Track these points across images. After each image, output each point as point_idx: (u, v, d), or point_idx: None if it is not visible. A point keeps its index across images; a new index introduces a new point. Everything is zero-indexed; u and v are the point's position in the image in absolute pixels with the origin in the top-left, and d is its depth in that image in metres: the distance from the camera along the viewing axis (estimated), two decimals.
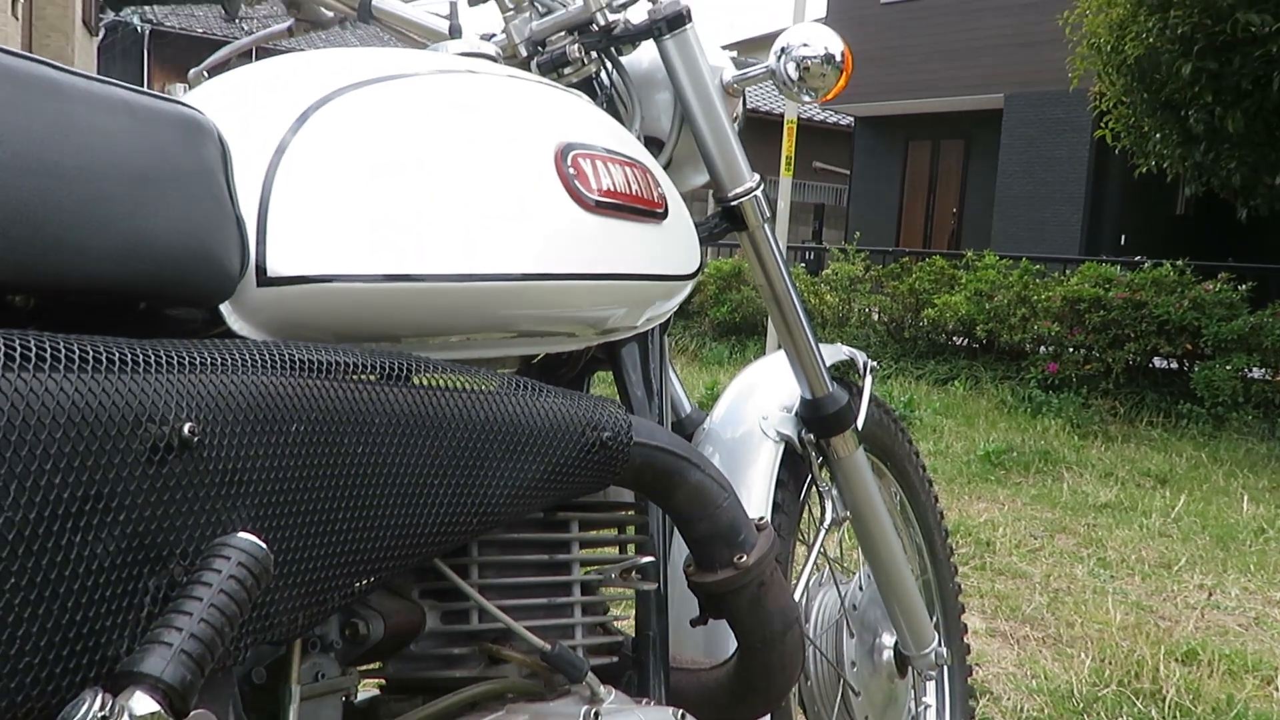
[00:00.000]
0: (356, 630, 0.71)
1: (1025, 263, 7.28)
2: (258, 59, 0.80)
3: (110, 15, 16.51)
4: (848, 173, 16.76)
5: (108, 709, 0.41)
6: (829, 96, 1.15)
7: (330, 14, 1.20)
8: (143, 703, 0.42)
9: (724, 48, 1.21)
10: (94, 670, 0.44)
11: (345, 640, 0.71)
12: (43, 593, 0.42)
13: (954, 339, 7.82)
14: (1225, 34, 6.01)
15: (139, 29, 16.29)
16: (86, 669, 0.44)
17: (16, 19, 11.55)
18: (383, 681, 0.80)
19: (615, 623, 0.91)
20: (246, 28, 1.26)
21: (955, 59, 13.51)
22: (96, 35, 16.71)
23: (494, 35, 1.13)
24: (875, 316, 8.33)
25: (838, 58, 1.13)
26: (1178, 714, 2.17)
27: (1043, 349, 6.85)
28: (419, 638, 0.75)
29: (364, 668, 0.76)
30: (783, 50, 1.14)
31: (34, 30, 12.92)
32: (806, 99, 1.16)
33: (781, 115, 7.07)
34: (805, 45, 1.13)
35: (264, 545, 0.49)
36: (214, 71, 1.11)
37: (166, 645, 0.44)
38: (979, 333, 7.26)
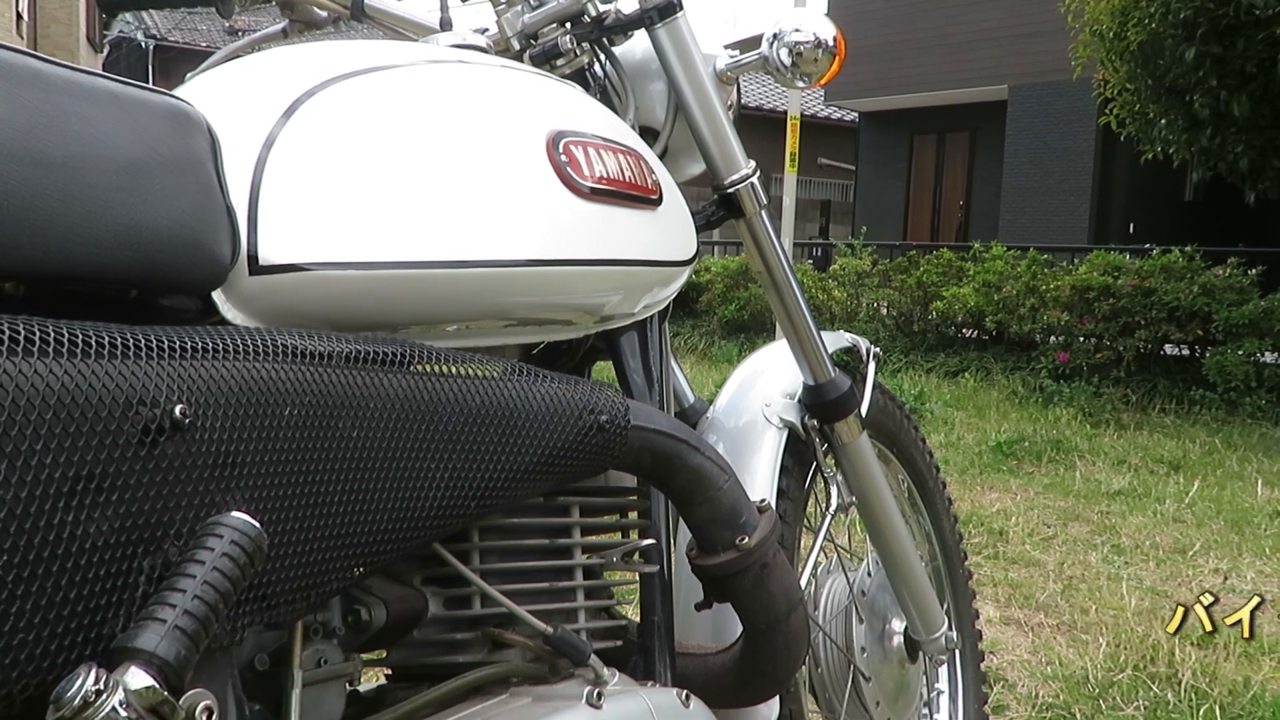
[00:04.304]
0: (359, 617, 0.71)
1: (1033, 253, 7.23)
2: None
3: (114, 31, 16.59)
4: (853, 168, 16.75)
5: (102, 683, 0.41)
6: (823, 81, 1.16)
7: (324, 14, 1.21)
8: (137, 677, 0.43)
9: (726, 47, 1.21)
10: (89, 647, 0.45)
11: (348, 627, 0.71)
12: (37, 571, 0.42)
13: (963, 331, 7.79)
14: (1228, 17, 6.00)
15: (143, 44, 16.35)
16: (82, 646, 0.45)
17: (21, 38, 11.65)
18: (389, 671, 0.80)
19: (622, 609, 0.91)
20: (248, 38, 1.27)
21: (958, 51, 13.47)
22: (101, 52, 16.83)
23: (486, 30, 1.13)
24: (884, 311, 8.30)
25: (830, 42, 1.13)
26: (1194, 697, 2.16)
27: (1053, 339, 6.82)
28: (422, 624, 0.76)
29: (368, 655, 0.77)
30: (775, 37, 1.14)
31: (39, 48, 13.02)
32: (800, 85, 1.16)
33: (785, 113, 7.07)
34: (797, 31, 1.13)
35: (257, 524, 0.49)
36: None
37: (160, 621, 0.45)
38: (988, 324, 7.23)
